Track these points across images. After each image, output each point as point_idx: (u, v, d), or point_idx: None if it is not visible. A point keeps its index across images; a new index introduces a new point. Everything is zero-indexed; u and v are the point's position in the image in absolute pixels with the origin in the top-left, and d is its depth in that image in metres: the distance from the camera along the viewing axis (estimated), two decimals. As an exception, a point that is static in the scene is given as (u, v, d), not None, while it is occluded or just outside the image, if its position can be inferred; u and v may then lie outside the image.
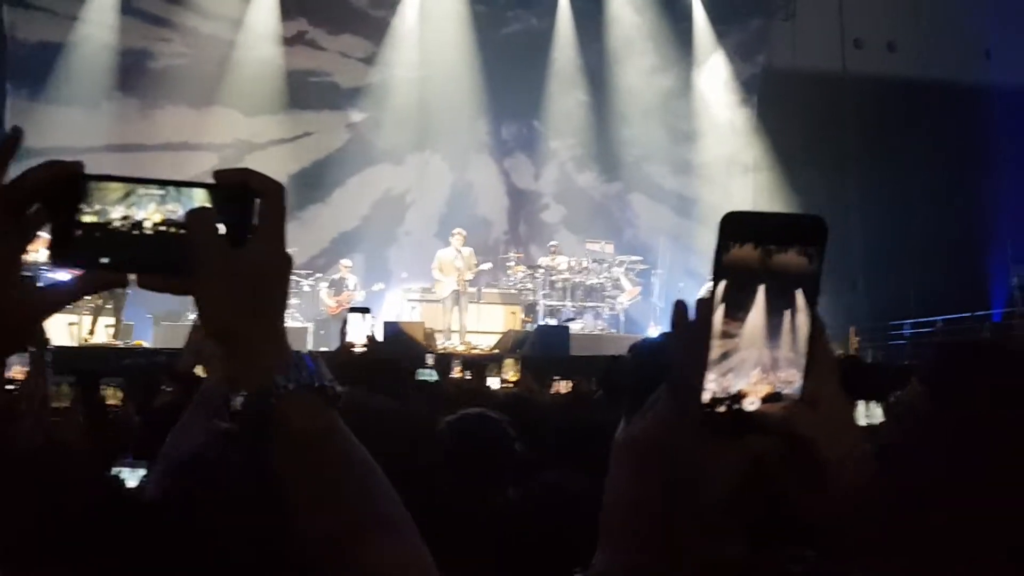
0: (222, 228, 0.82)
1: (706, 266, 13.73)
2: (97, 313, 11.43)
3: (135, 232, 0.81)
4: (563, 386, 6.18)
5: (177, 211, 0.82)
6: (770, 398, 0.67)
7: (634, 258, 14.40)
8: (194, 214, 0.81)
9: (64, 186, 0.81)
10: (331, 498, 0.82)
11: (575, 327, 12.78)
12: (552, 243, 14.30)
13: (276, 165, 15.48)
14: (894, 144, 15.67)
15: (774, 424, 0.66)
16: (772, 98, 16.62)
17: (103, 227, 0.81)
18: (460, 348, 12.12)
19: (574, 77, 16.46)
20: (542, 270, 13.65)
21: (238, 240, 0.82)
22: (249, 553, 1.24)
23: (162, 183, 0.83)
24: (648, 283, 14.67)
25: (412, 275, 14.16)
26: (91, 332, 11.43)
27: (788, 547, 1.03)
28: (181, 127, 15.08)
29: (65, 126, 14.37)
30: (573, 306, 13.57)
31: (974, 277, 15.98)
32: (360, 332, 3.39)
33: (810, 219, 0.67)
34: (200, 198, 0.83)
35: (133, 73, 15.01)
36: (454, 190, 16.20)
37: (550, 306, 13.49)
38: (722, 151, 16.72)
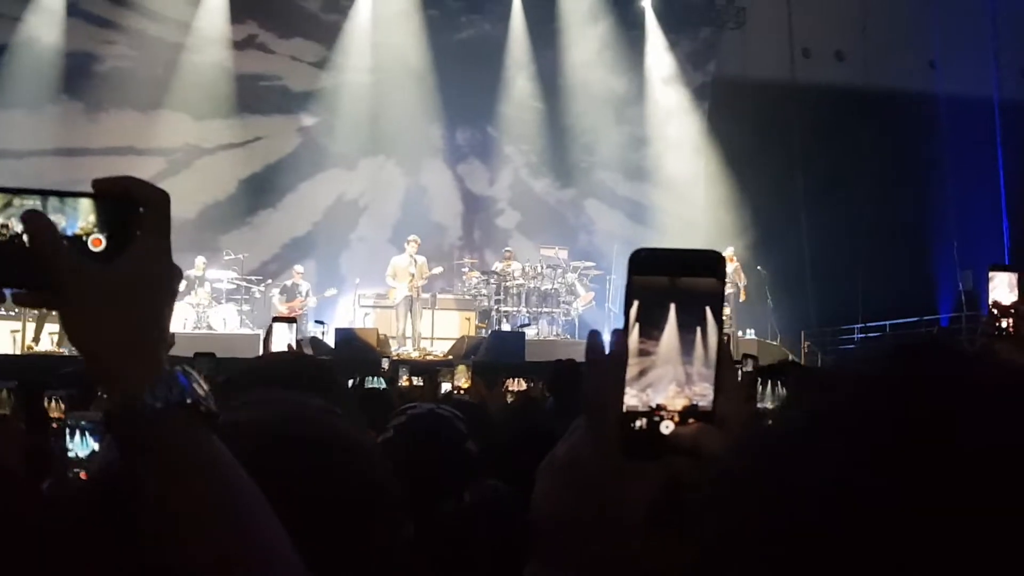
0: (102, 239, 0.79)
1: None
2: (42, 320, 11.20)
3: (10, 246, 0.77)
4: (515, 384, 6.19)
5: (61, 223, 0.79)
6: (687, 411, 0.70)
7: (588, 264, 14.48)
8: (30, 222, 0.77)
9: None
10: (200, 522, 0.77)
11: (530, 332, 12.82)
12: (506, 249, 14.33)
13: (226, 170, 15.33)
14: (842, 151, 15.96)
15: (687, 444, 0.69)
16: (723, 106, 16.84)
17: None
18: (414, 354, 12.08)
19: (528, 83, 16.52)
20: (496, 276, 13.66)
21: (118, 253, 0.79)
22: None
23: (42, 193, 0.79)
24: (603, 289, 14.76)
25: (365, 281, 14.08)
26: (35, 339, 11.19)
27: None
28: (128, 131, 14.84)
29: (9, 129, 14.07)
30: (528, 312, 13.60)
31: (922, 282, 16.34)
32: (283, 342, 3.34)
33: (710, 253, 0.71)
34: (86, 208, 0.79)
35: (78, 76, 14.74)
36: (408, 195, 16.14)
37: (505, 312, 13.50)
38: (674, 157, 16.89)
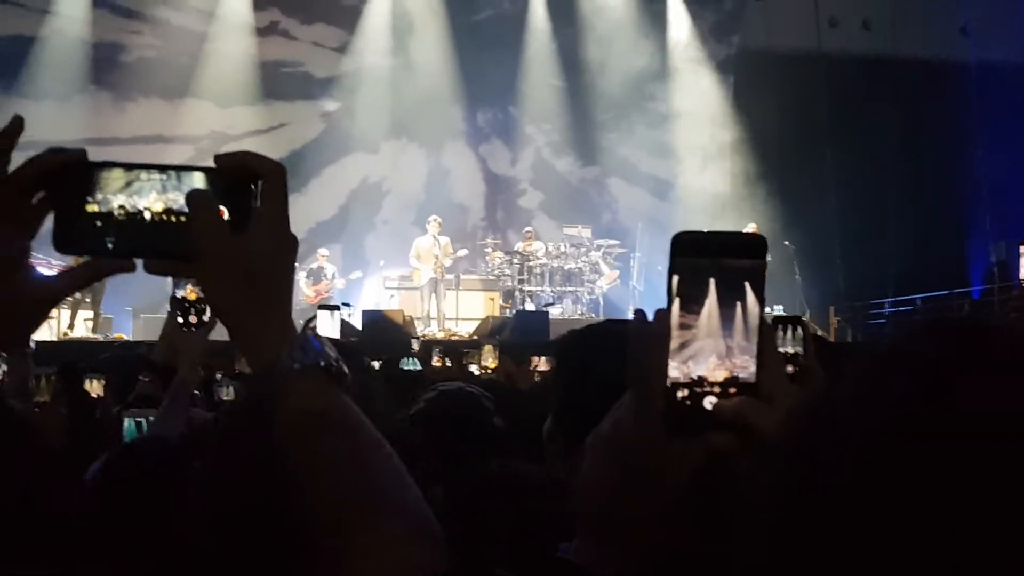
0: (225, 212, 0.82)
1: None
2: (76, 307, 11.37)
3: (138, 219, 0.82)
4: (543, 362, 6.21)
5: (179, 198, 0.82)
6: (728, 382, 0.71)
7: (612, 242, 14.42)
8: (193, 198, 0.81)
9: (68, 174, 0.81)
10: (335, 477, 0.81)
11: (554, 312, 12.82)
12: (527, 229, 14.32)
13: (252, 156, 15.46)
14: (871, 122, 15.72)
15: (730, 417, 0.70)
16: (747, 78, 16.64)
17: (106, 215, 0.81)
18: (439, 335, 12.15)
19: (548, 62, 16.43)
20: (520, 256, 13.66)
21: (241, 224, 0.82)
22: (247, 537, 1.23)
23: (164, 168, 0.83)
24: (627, 267, 14.70)
25: (390, 263, 14.16)
26: (71, 326, 11.37)
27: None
28: (154, 120, 14.98)
29: (38, 120, 14.20)
30: (552, 291, 13.60)
31: (953, 254, 16.08)
32: (328, 329, 3.40)
33: (752, 236, 0.74)
34: (201, 182, 0.83)
35: (105, 66, 14.88)
36: (430, 177, 16.17)
37: (529, 291, 13.52)
38: (698, 133, 16.74)
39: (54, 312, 11.45)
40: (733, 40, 17.12)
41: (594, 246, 14.16)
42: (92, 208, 0.81)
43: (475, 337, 11.72)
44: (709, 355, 0.71)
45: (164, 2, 15.10)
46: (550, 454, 1.41)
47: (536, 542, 2.19)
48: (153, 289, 12.69)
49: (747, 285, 0.72)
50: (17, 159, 0.83)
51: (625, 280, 14.60)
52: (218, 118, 15.34)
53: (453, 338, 11.82)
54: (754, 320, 0.72)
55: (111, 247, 0.81)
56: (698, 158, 16.70)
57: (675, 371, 0.70)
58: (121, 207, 0.81)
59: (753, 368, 0.71)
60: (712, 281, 0.71)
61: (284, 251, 0.85)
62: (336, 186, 15.74)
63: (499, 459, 2.31)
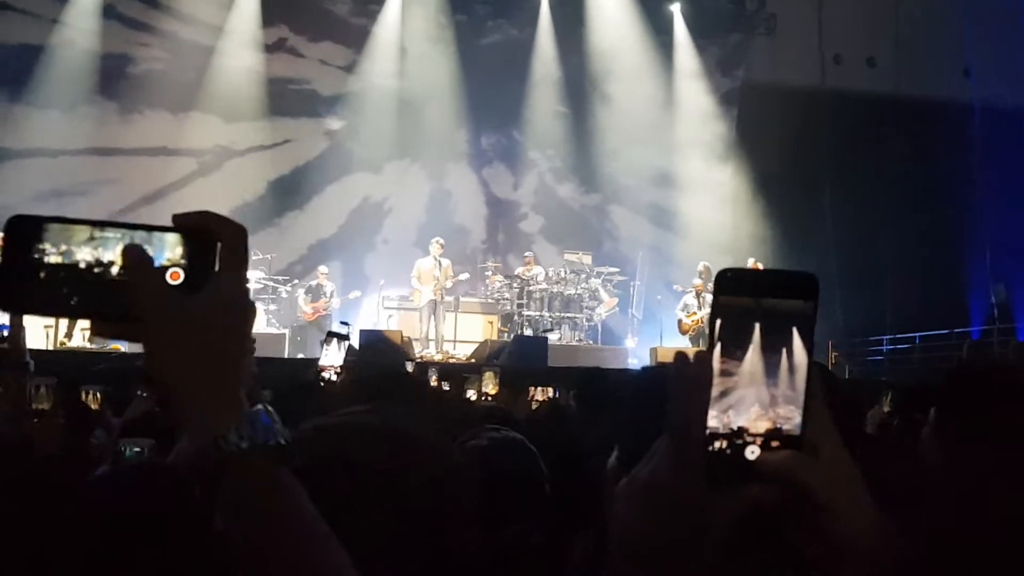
0: (181, 274, 0.79)
1: (685, 278, 13.83)
2: (73, 317, 11.28)
3: (98, 277, 0.78)
4: (539, 393, 6.15)
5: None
6: (770, 434, 0.68)
7: (612, 269, 14.42)
8: (130, 254, 0.77)
9: (22, 228, 0.78)
10: (279, 560, 0.77)
11: (552, 337, 12.79)
12: (527, 254, 14.33)
13: (255, 172, 15.47)
14: (873, 159, 15.79)
15: (775, 471, 0.67)
16: (751, 112, 16.73)
17: (70, 268, 0.78)
18: (437, 357, 12.10)
19: (554, 88, 16.51)
20: (520, 280, 13.65)
21: (197, 287, 0.78)
22: None
23: (127, 227, 0.79)
24: (626, 295, 14.70)
25: (389, 283, 14.14)
26: (68, 335, 11.31)
27: None
28: (160, 132, 15.00)
29: (44, 129, 14.25)
30: (551, 316, 13.58)
31: (953, 293, 16.09)
32: (333, 359, 3.38)
33: (802, 275, 0.70)
34: (174, 241, 0.79)
35: (113, 77, 14.91)
36: (432, 199, 16.19)
37: (527, 316, 13.50)
38: (701, 164, 16.82)
39: (51, 321, 11.41)
40: (738, 74, 17.24)
41: (594, 273, 14.15)
42: (53, 262, 0.78)
43: (472, 360, 11.68)
44: (751, 404, 0.68)
45: (173, 15, 15.14)
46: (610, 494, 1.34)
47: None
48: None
49: (794, 330, 0.68)
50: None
51: (624, 308, 14.60)
52: (223, 132, 15.37)
53: (451, 361, 11.78)
54: (801, 368, 0.68)
55: (74, 304, 0.78)
56: (700, 189, 16.75)
57: (714, 420, 0.67)
58: (83, 263, 0.78)
59: (798, 420, 0.68)
60: (757, 326, 0.67)
61: (237, 317, 0.80)
62: (338, 204, 15.75)
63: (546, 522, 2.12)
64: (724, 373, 0.67)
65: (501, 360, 10.96)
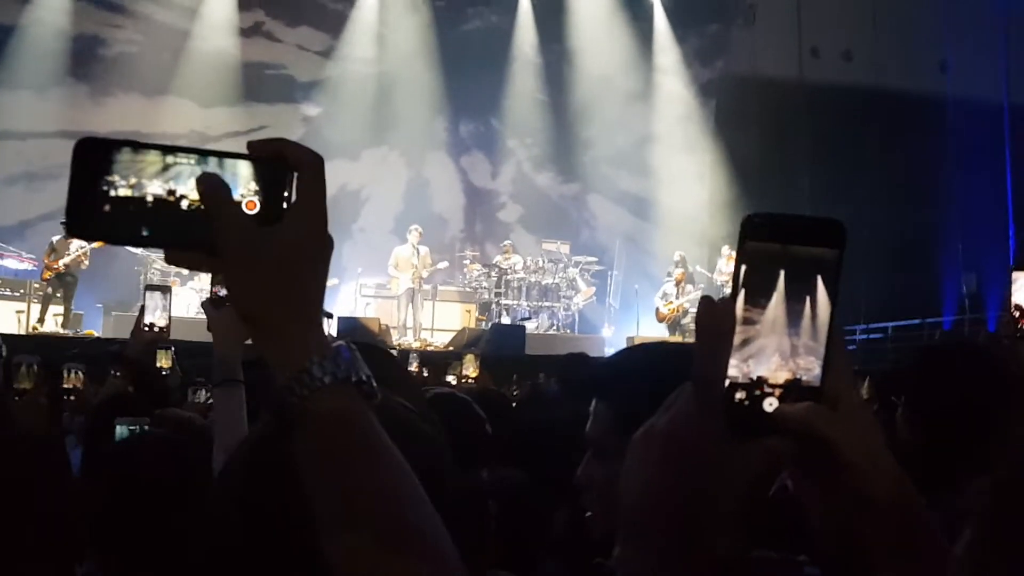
0: (257, 203, 0.77)
1: (661, 268, 13.87)
2: (47, 301, 11.17)
3: (171, 206, 0.76)
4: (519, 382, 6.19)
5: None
6: (789, 384, 0.66)
7: (590, 259, 14.45)
8: (204, 184, 0.75)
9: (93, 154, 0.76)
10: (359, 506, 0.74)
11: (530, 326, 12.81)
12: (505, 242, 14.30)
13: (230, 157, 15.34)
14: (847, 151, 15.90)
15: (793, 424, 0.66)
16: (730, 103, 16.80)
17: (138, 200, 0.76)
18: (415, 345, 12.07)
19: (533, 76, 16.47)
20: (498, 269, 13.64)
21: (273, 217, 0.76)
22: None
23: (200, 153, 0.77)
24: (604, 284, 14.73)
25: (367, 271, 14.06)
26: (40, 320, 11.18)
27: (784, 551, 1.02)
28: (133, 116, 14.78)
29: (14, 110, 14.04)
30: (528, 305, 13.58)
31: (925, 284, 16.28)
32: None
33: (830, 221, 0.68)
34: (245, 170, 0.77)
35: (85, 59, 14.71)
36: (410, 187, 16.11)
37: (505, 305, 13.49)
38: (679, 154, 16.85)
39: (23, 306, 11.25)
40: (717, 64, 17.30)
41: (572, 262, 14.18)
42: (123, 195, 0.75)
43: (451, 348, 11.65)
44: (772, 354, 0.66)
45: (147, -3, 14.96)
46: (599, 454, 1.33)
47: (526, 548, 2.18)
48: (124, 286, 12.51)
49: (819, 278, 0.67)
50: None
51: (601, 297, 14.63)
52: (197, 117, 15.19)
53: (428, 348, 11.75)
54: (824, 318, 0.67)
55: (147, 234, 0.76)
56: (678, 179, 16.79)
57: (734, 369, 0.66)
58: (152, 194, 0.76)
59: (818, 371, 0.66)
60: (782, 273, 0.66)
61: (315, 251, 0.78)
62: (315, 191, 15.62)
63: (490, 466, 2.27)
64: (747, 321, 0.66)
65: (479, 348, 10.95)
